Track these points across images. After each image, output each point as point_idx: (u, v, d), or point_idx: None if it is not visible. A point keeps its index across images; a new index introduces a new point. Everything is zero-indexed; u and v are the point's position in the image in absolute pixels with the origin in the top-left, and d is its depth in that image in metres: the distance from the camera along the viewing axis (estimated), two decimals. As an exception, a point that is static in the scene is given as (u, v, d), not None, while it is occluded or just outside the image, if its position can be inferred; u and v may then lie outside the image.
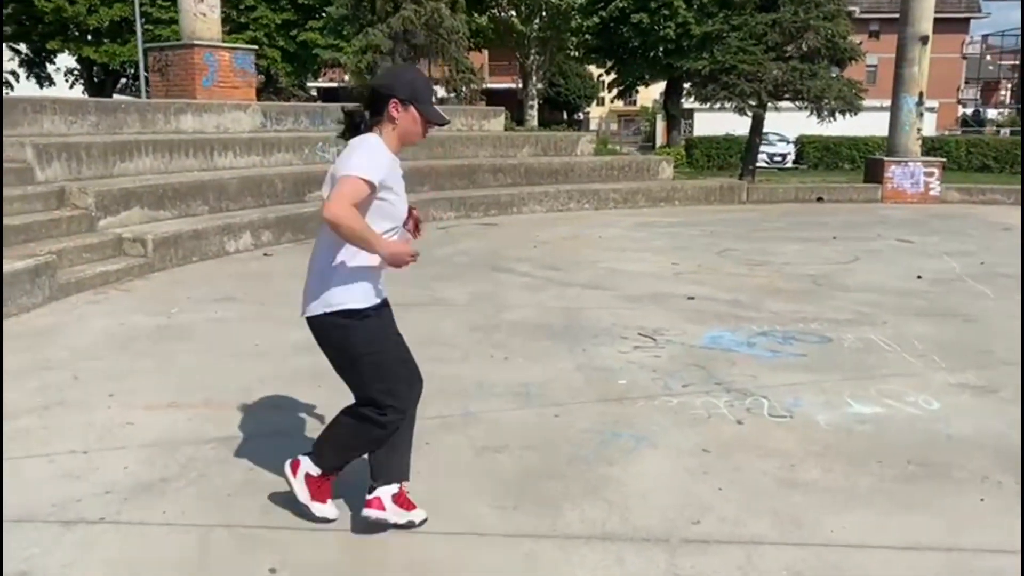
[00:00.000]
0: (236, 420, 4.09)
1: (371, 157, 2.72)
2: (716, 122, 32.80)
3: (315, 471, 3.04)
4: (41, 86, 30.64)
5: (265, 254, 8.94)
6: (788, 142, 28.34)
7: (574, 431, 4.04)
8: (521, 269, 8.28)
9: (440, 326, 5.96)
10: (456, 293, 7.12)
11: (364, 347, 2.85)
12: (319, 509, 3.05)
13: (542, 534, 3.05)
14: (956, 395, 4.64)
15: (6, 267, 5.98)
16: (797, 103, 16.05)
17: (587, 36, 30.37)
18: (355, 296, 2.81)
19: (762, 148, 28.22)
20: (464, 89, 19.83)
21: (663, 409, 4.37)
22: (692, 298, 7.05)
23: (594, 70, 39.73)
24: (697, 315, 6.44)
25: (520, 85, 34.97)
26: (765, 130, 17.30)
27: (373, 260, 2.78)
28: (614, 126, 58.13)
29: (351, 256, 2.79)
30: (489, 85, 45.50)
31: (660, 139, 38.65)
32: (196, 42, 11.89)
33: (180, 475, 3.48)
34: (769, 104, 15.98)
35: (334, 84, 43.53)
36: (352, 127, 2.88)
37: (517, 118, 28.78)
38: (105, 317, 6.11)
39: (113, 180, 8.80)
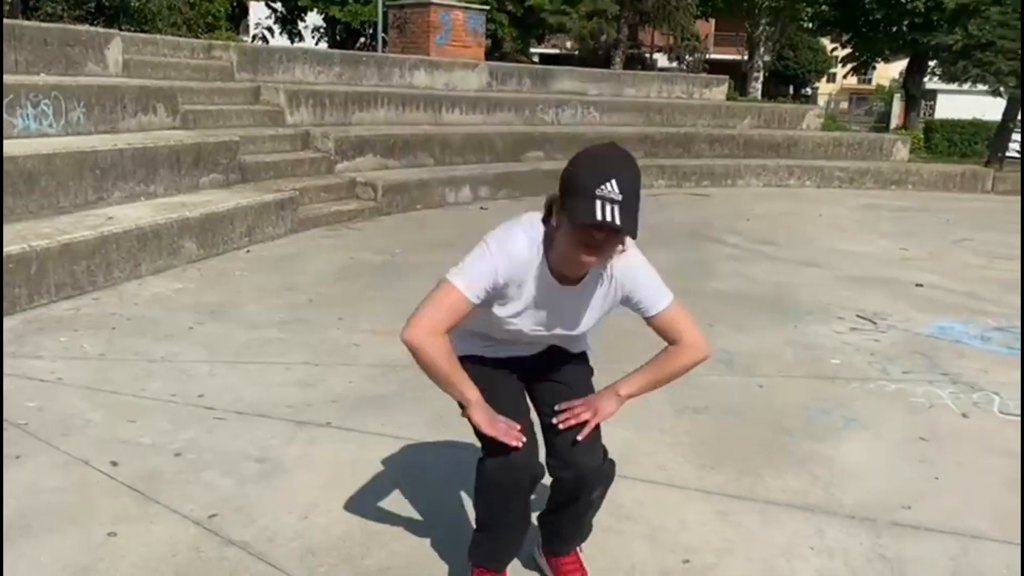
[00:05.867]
0: (449, 353, 4.34)
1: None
2: (961, 105, 29.85)
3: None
4: (292, 41, 33.29)
5: (481, 207, 9.29)
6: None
7: (779, 403, 3.93)
8: (731, 241, 8.07)
9: (647, 287, 5.95)
10: (663, 258, 7.05)
11: None
12: None
13: (739, 495, 3.01)
14: None
15: (261, 197, 6.64)
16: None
17: (824, 6, 28.61)
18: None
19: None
20: (688, 57, 19.43)
21: (878, 393, 4.14)
22: (921, 285, 6.57)
23: (828, 43, 37.42)
24: (926, 303, 6.01)
25: (745, 57, 33.64)
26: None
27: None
28: (844, 104, 54.64)
29: None
30: (712, 56, 44.15)
31: (895, 120, 35.91)
32: (433, 0, 12.43)
33: (398, 394, 3.75)
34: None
35: (556, 51, 43.95)
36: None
37: (739, 90, 27.81)
38: (338, 251, 6.64)
39: (351, 127, 9.48)
